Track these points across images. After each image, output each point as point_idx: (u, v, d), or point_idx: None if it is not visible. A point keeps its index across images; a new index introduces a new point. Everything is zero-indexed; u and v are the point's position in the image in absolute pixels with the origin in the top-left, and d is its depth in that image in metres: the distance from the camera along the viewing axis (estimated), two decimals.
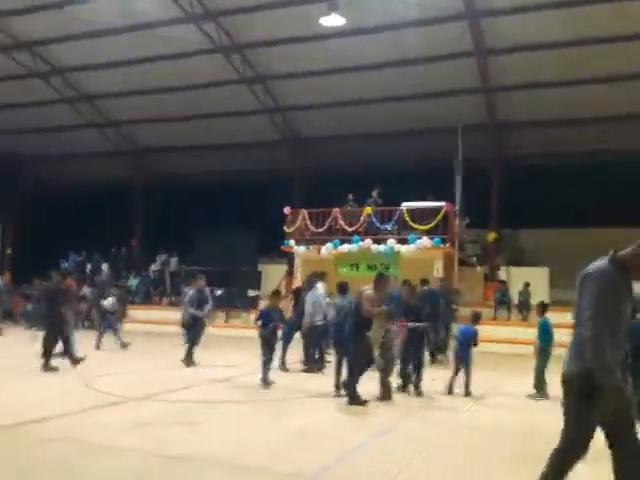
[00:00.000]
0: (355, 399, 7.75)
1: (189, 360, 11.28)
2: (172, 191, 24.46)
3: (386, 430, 6.69)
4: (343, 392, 8.36)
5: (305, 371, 10.81)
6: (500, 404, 8.69)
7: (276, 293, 10.04)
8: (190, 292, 12.30)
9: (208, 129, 22.60)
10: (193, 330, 11.64)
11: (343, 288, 9.46)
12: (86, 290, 20.53)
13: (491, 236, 20.30)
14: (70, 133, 24.36)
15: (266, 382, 9.05)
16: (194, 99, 21.14)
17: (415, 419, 7.33)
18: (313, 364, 10.89)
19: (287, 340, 11.17)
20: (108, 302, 14.15)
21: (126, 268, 24.25)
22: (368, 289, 8.06)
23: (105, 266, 24.01)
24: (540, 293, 17.97)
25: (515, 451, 5.95)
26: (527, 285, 18.02)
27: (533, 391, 8.92)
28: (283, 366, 10.84)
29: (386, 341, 8.34)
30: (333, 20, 16.37)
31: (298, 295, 11.73)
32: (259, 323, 9.24)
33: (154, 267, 24.00)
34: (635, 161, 18.71)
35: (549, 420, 7.46)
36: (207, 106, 21.36)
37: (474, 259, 20.12)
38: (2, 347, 14.31)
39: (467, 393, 8.80)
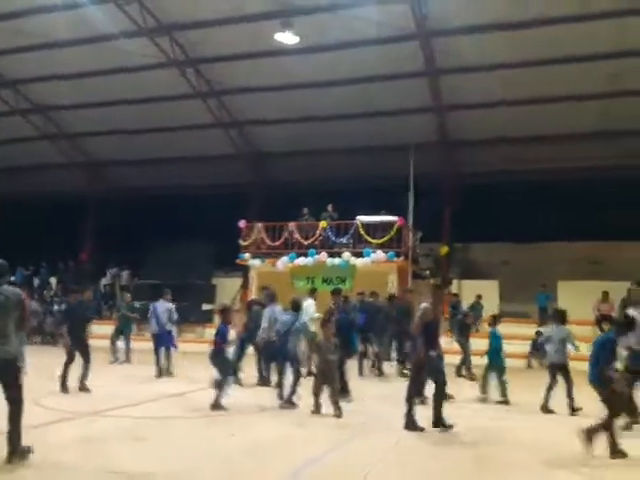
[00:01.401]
0: (414, 426, 7.34)
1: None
2: (125, 204, 24.13)
3: (345, 440, 6.76)
4: (289, 402, 8.54)
5: (260, 385, 10.77)
6: (456, 412, 8.86)
7: (226, 310, 9.79)
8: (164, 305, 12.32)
9: (163, 142, 22.43)
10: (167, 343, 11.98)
11: (296, 305, 9.50)
12: (34, 305, 19.95)
13: (443, 250, 20.75)
14: (21, 145, 23.76)
15: (217, 405, 8.50)
16: (149, 112, 20.98)
17: (374, 431, 7.40)
18: (267, 379, 10.81)
19: (239, 355, 11.15)
20: None
21: (75, 282, 23.65)
22: (426, 302, 7.66)
23: (53, 280, 23.42)
24: (490, 305, 18.49)
25: (475, 455, 6.14)
26: (479, 297, 18.48)
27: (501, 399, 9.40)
28: (237, 380, 10.82)
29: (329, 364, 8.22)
30: (287, 38, 16.59)
31: (250, 309, 11.68)
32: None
33: (105, 281, 23.52)
34: (581, 179, 19.50)
35: (503, 425, 7.77)
36: (162, 119, 21.23)
37: (427, 272, 20.49)
38: None
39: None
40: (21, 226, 24.40)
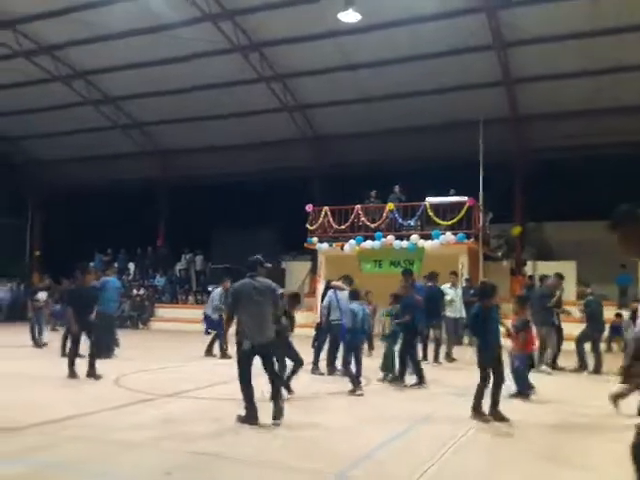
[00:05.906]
0: None
1: (210, 351, 12.55)
2: (196, 190, 24.75)
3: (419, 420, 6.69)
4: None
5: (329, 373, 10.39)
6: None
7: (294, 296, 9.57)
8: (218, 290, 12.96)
9: (230, 129, 22.75)
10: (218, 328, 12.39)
11: (355, 295, 9.32)
12: None
13: (516, 230, 20.08)
14: (94, 134, 24.62)
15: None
16: (215, 99, 21.28)
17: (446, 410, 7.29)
18: (332, 366, 10.35)
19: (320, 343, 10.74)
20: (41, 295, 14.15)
21: (153, 267, 24.57)
22: None
23: (132, 265, 24.42)
24: (568, 287, 17.69)
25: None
26: (562, 278, 17.66)
27: None
28: (315, 367, 10.51)
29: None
30: (349, 16, 16.34)
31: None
32: None
33: (180, 266, 24.30)
34: None
35: None
36: (228, 106, 21.52)
37: (499, 254, 19.94)
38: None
39: None
40: (98, 214, 25.44)
